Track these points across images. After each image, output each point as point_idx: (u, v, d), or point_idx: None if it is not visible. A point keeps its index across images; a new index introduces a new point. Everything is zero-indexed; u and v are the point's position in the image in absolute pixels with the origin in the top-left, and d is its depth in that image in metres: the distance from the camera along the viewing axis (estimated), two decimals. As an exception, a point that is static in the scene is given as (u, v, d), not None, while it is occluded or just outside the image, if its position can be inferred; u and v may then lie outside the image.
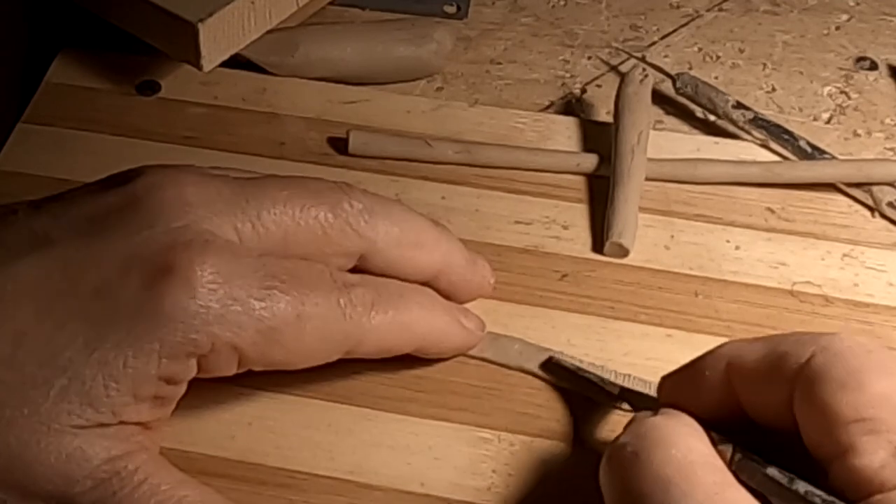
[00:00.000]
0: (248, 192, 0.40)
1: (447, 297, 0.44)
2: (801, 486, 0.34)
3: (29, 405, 0.36)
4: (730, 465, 0.35)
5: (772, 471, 0.34)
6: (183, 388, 0.39)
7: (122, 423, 0.37)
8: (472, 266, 0.45)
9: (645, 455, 0.34)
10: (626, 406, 0.43)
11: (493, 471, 0.42)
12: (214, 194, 0.40)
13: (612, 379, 0.44)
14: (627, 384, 0.44)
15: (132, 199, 0.39)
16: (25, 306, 0.37)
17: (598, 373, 0.44)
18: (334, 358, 0.41)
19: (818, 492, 0.33)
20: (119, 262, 0.37)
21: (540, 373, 0.45)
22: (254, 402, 0.43)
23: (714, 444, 0.35)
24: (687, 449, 0.34)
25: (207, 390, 0.43)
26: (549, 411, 0.44)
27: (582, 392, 0.44)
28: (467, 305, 0.45)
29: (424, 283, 0.43)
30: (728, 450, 0.36)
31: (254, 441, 0.42)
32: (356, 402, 0.44)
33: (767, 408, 0.36)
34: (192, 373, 0.38)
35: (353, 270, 0.42)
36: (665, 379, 0.40)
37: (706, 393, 0.38)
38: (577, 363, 0.44)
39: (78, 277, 0.37)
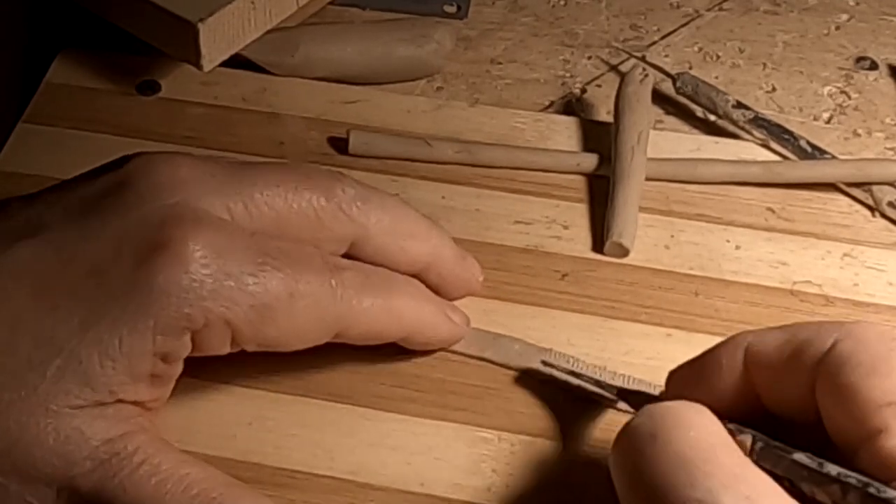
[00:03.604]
0: (242, 173, 0.40)
1: (436, 292, 0.44)
2: (833, 469, 0.33)
3: (26, 387, 0.36)
4: (750, 454, 0.35)
5: (799, 456, 0.34)
6: (179, 368, 0.39)
7: (119, 401, 0.37)
8: (462, 261, 0.45)
9: (663, 436, 0.34)
10: (626, 406, 0.43)
11: (493, 471, 0.42)
12: (208, 174, 0.40)
13: (610, 381, 0.44)
14: (625, 385, 0.44)
15: (125, 180, 0.39)
16: (21, 290, 0.37)
17: (593, 374, 0.44)
18: (324, 340, 0.41)
19: (852, 473, 0.33)
20: (112, 241, 0.38)
21: (540, 373, 0.45)
22: (254, 402, 0.43)
23: (732, 435, 0.35)
24: (706, 431, 0.34)
25: (208, 390, 0.43)
26: (550, 411, 0.44)
27: (577, 392, 0.44)
28: (467, 306, 0.46)
29: (414, 276, 0.44)
30: (748, 439, 0.35)
31: (254, 441, 0.42)
32: (356, 401, 0.44)
33: (787, 396, 0.36)
34: (187, 350, 0.38)
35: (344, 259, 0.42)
36: (674, 372, 0.40)
37: (720, 383, 0.37)
38: (572, 366, 0.44)
39: (72, 259, 0.37)
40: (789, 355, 0.36)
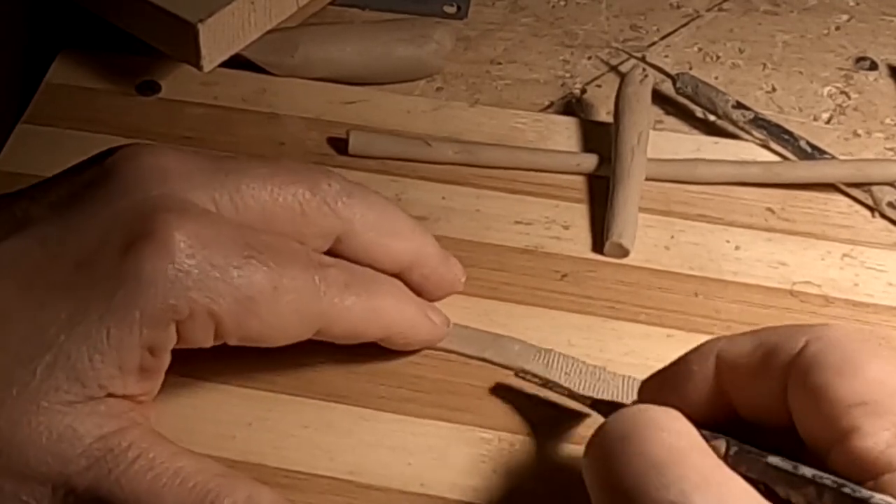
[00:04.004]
0: (228, 166, 0.41)
1: (419, 292, 0.44)
2: (808, 471, 0.33)
3: (17, 385, 0.36)
4: (725, 459, 0.35)
5: (774, 459, 0.34)
6: (166, 360, 0.39)
7: (110, 395, 0.38)
8: (445, 261, 0.45)
9: (636, 439, 0.34)
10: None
11: (493, 471, 0.42)
12: (193, 166, 0.40)
13: (583, 391, 0.44)
14: (612, 381, 0.44)
15: (110, 172, 0.39)
16: (8, 287, 0.37)
17: (567, 384, 0.44)
18: (306, 336, 0.41)
19: (826, 474, 0.33)
20: (98, 233, 0.38)
21: (539, 374, 0.45)
22: (253, 402, 0.43)
23: (706, 440, 0.35)
24: (678, 433, 0.34)
25: (207, 391, 0.43)
26: (550, 411, 0.44)
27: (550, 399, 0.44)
28: (467, 306, 0.46)
29: (397, 276, 0.44)
30: (721, 445, 0.35)
31: (253, 441, 0.42)
32: (355, 402, 0.44)
33: (759, 401, 0.36)
34: (173, 342, 0.38)
35: (328, 256, 0.42)
36: (646, 381, 0.40)
37: (693, 390, 0.37)
38: (545, 377, 0.44)
39: (58, 252, 0.37)
40: (760, 360, 0.36)
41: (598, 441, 0.35)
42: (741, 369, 0.37)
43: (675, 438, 0.33)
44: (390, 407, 0.44)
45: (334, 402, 0.43)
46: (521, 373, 0.44)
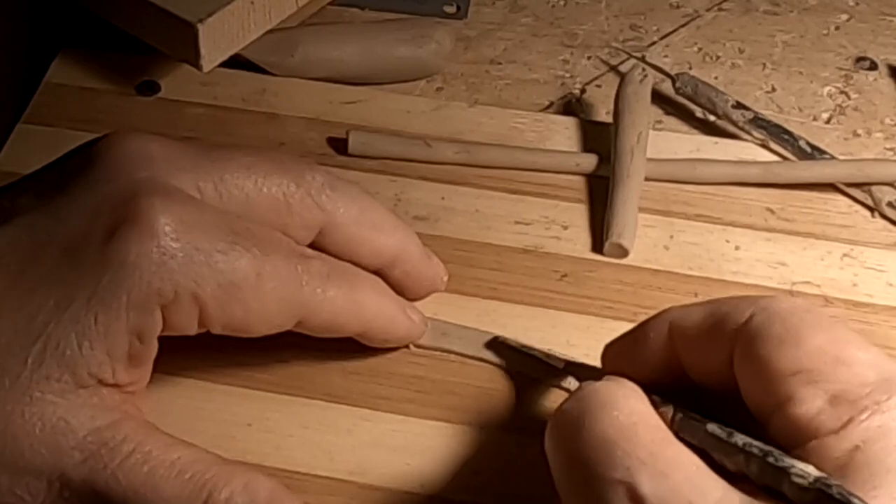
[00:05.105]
0: (213, 155, 0.41)
1: (400, 289, 0.44)
2: (740, 440, 0.34)
3: (9, 376, 0.36)
4: (671, 425, 0.36)
5: (712, 427, 0.35)
6: (154, 348, 0.39)
7: (100, 384, 0.38)
8: (427, 259, 0.45)
9: (588, 419, 0.34)
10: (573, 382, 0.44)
11: (493, 471, 0.42)
12: (178, 152, 0.40)
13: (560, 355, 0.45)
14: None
15: (95, 158, 0.39)
16: None
17: (544, 350, 0.45)
18: (287, 326, 0.41)
19: (756, 442, 0.34)
20: (84, 218, 0.38)
21: (539, 375, 0.45)
22: (253, 402, 0.43)
23: (655, 406, 0.36)
24: (629, 411, 0.35)
25: (207, 391, 0.43)
26: (549, 412, 0.44)
27: (527, 371, 0.44)
28: (467, 307, 0.46)
29: (378, 273, 0.44)
30: (669, 411, 0.36)
31: (253, 442, 0.42)
32: (355, 402, 0.44)
33: (708, 368, 0.37)
34: (159, 327, 0.38)
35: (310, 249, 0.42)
36: (608, 346, 0.41)
37: (649, 356, 0.39)
38: (523, 342, 0.45)
39: (45, 240, 0.38)
40: (709, 329, 0.37)
41: (556, 424, 0.36)
42: (692, 337, 0.38)
43: (626, 416, 0.34)
44: (390, 407, 0.44)
45: (335, 403, 0.44)
46: (499, 339, 0.45)
